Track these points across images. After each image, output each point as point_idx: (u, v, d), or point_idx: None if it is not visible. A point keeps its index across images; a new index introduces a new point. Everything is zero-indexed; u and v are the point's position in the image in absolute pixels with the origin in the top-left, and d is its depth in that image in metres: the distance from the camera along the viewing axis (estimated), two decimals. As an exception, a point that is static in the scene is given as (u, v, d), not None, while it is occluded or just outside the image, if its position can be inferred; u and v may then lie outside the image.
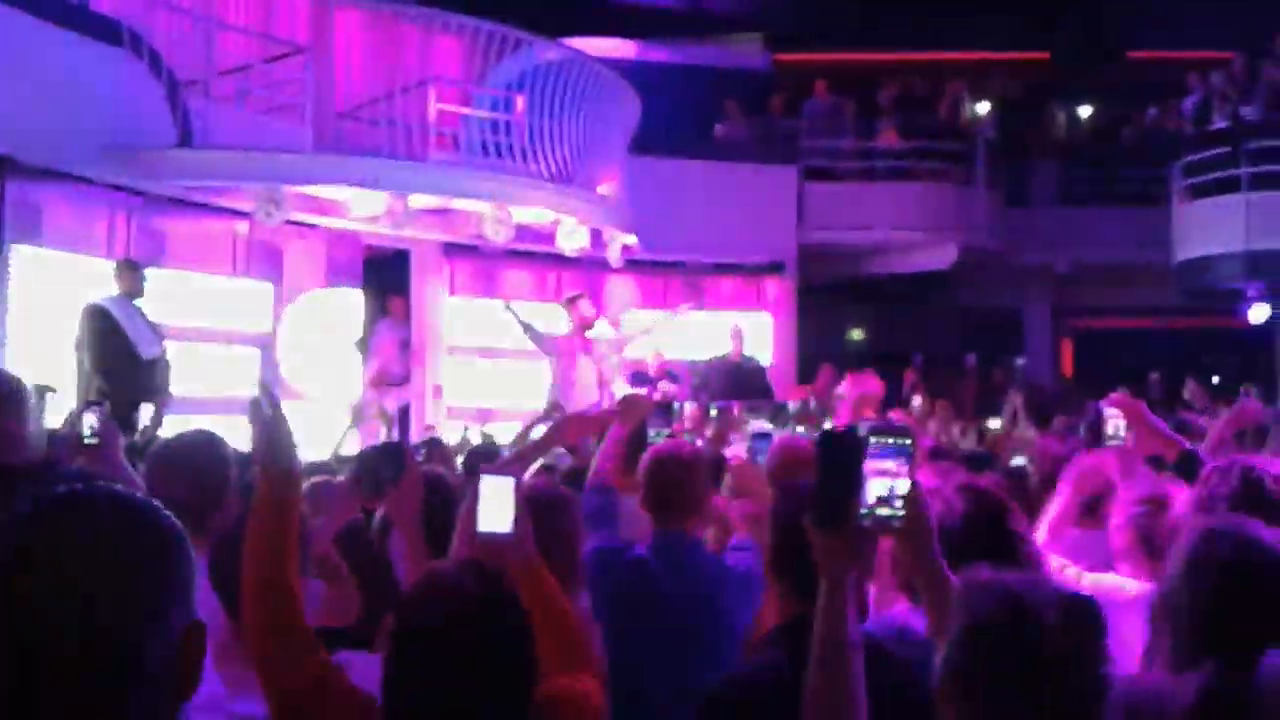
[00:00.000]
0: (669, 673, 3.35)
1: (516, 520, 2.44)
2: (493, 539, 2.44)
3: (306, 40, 10.03)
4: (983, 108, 16.01)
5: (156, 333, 7.62)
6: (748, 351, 11.98)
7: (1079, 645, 1.71)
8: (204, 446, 3.15)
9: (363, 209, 9.57)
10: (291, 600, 2.22)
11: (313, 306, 9.89)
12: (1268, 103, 13.17)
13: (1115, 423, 3.67)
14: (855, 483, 1.88)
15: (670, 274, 13.18)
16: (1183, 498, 3.33)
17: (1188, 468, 3.43)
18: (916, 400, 10.62)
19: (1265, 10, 14.38)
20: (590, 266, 11.94)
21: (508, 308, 9.99)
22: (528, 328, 9.78)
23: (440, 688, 1.92)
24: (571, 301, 9.83)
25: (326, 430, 8.17)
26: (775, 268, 13.50)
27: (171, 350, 7.76)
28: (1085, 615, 1.73)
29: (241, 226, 9.36)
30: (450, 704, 1.92)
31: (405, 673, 1.94)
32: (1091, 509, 3.63)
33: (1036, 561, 2.79)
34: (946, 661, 1.78)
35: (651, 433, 4.32)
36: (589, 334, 9.72)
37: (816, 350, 14.10)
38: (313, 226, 9.89)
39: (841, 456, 1.88)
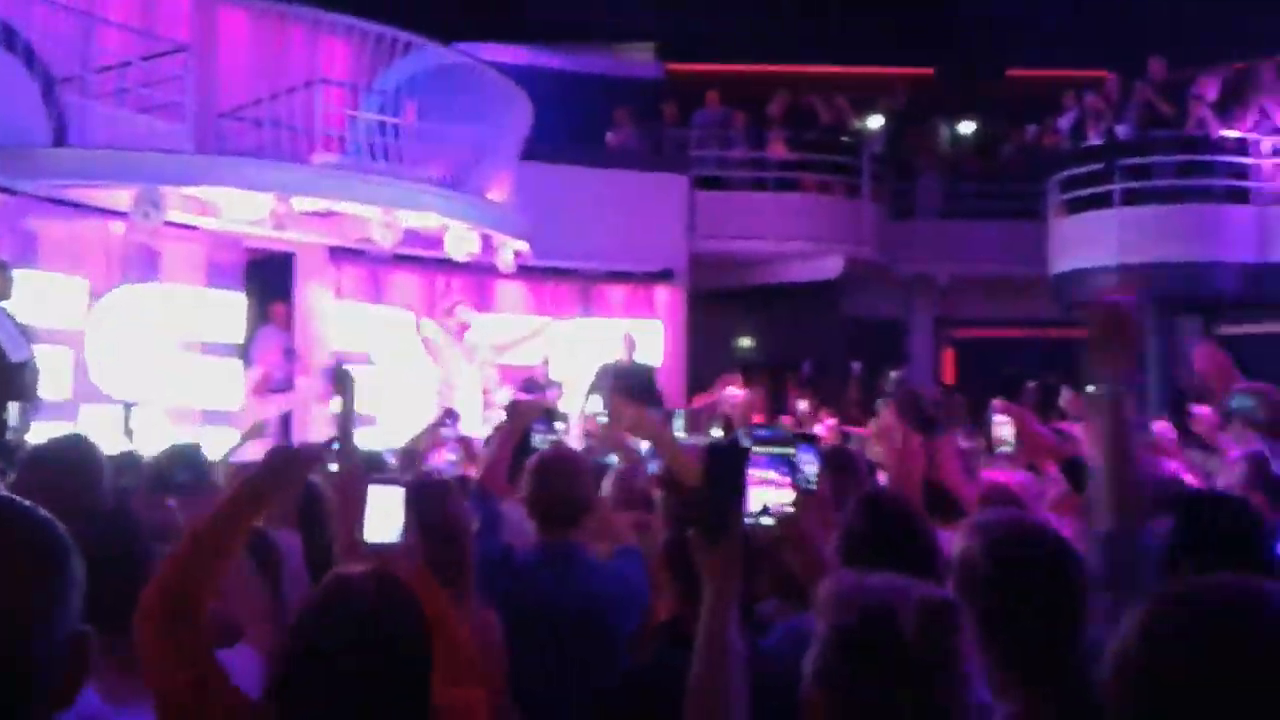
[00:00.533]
0: (553, 680, 3.34)
1: (405, 530, 2.42)
2: (381, 550, 2.41)
3: (189, 38, 9.80)
4: (869, 121, 16.31)
5: (25, 335, 7.36)
6: (639, 359, 12.04)
7: (938, 646, 1.72)
8: (75, 451, 3.07)
9: (245, 211, 9.37)
10: (195, 605, 2.19)
11: (122, 301, 9.39)
12: (1140, 121, 13.64)
13: (1003, 430, 3.73)
14: (739, 494, 1.90)
15: (561, 281, 13.17)
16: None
17: (1074, 473, 3.51)
18: (803, 405, 10.76)
19: (1139, 32, 14.93)
20: (480, 272, 11.87)
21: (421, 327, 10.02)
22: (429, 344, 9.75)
23: (337, 699, 1.90)
24: (449, 309, 9.80)
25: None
26: (665, 275, 13.57)
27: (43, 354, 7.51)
28: (944, 616, 1.74)
29: (117, 227, 9.10)
30: (343, 714, 1.90)
31: (301, 681, 1.92)
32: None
33: (943, 565, 2.86)
34: (811, 666, 1.79)
35: (538, 439, 4.30)
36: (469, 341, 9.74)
37: (706, 358, 14.21)
38: (192, 228, 9.66)
39: (725, 468, 1.90)
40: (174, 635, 2.15)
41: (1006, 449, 3.74)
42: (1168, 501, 2.83)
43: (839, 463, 4.19)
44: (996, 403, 4.02)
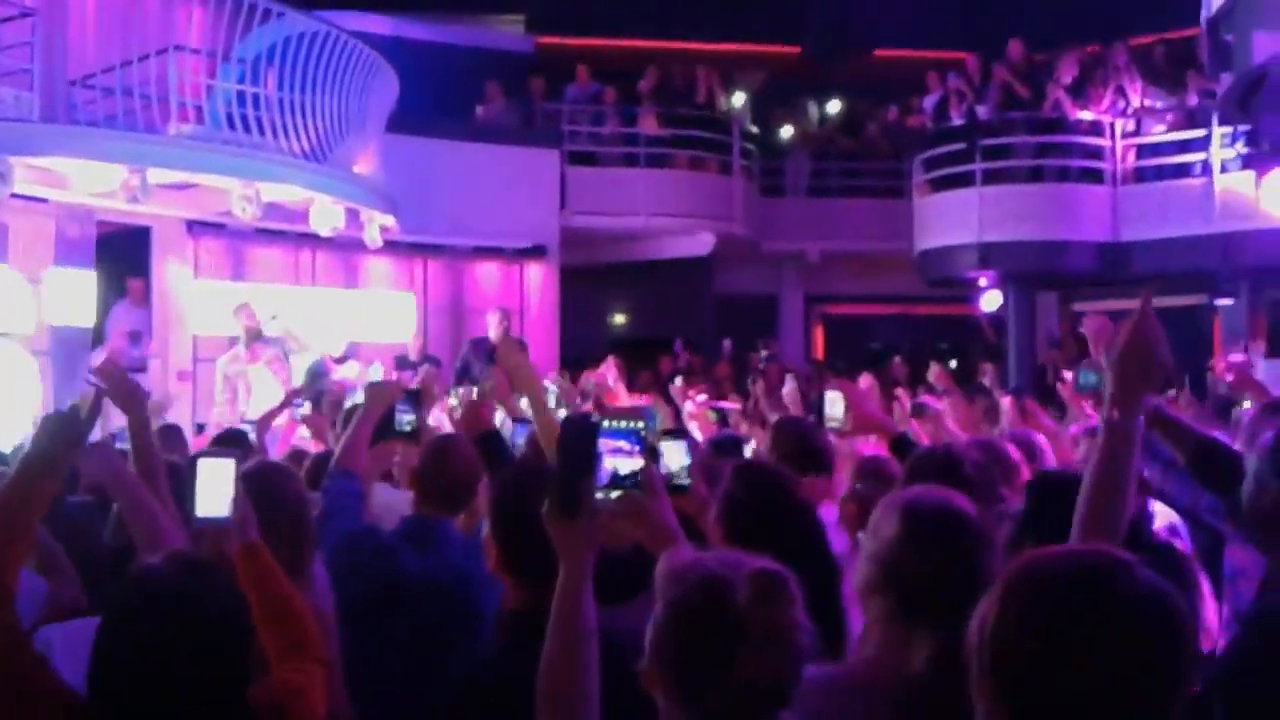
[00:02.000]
0: (415, 659, 3.29)
1: (236, 503, 2.35)
2: (211, 524, 2.34)
3: (36, 2, 9.36)
4: (738, 99, 16.43)
5: None
6: (511, 335, 11.94)
7: (770, 618, 1.74)
8: None
9: (96, 183, 9.01)
10: (7, 596, 2.11)
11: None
12: (999, 103, 13.98)
13: (835, 406, 3.81)
14: (591, 468, 1.89)
15: (430, 256, 13.00)
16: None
17: (900, 451, 3.61)
18: (678, 382, 10.78)
19: (1000, 15, 15.30)
20: (346, 248, 11.64)
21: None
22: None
23: (143, 685, 1.87)
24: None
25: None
26: (537, 251, 13.50)
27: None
28: (777, 588, 1.76)
29: (-40, 199, 8.67)
30: (154, 701, 1.87)
31: (110, 668, 1.90)
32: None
33: (822, 533, 2.88)
34: (649, 644, 1.80)
35: (404, 420, 4.22)
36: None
37: (578, 335, 14.19)
38: (42, 201, 9.25)
39: (577, 443, 1.88)
40: None
41: (835, 424, 3.81)
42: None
43: (722, 447, 4.27)
44: (834, 380, 4.09)
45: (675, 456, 2.79)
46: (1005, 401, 6.19)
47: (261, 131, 9.49)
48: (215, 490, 2.35)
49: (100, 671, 1.91)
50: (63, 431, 2.32)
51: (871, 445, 4.20)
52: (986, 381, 7.92)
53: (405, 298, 12.70)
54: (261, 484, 2.69)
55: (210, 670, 1.91)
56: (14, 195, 8.48)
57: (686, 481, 2.78)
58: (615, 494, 1.93)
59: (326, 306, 11.63)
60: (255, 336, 9.61)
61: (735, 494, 2.81)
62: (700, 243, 14.95)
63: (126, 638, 1.91)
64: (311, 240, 11.12)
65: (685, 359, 14.14)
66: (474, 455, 3.58)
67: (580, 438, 1.89)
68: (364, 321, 11.98)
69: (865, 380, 4.03)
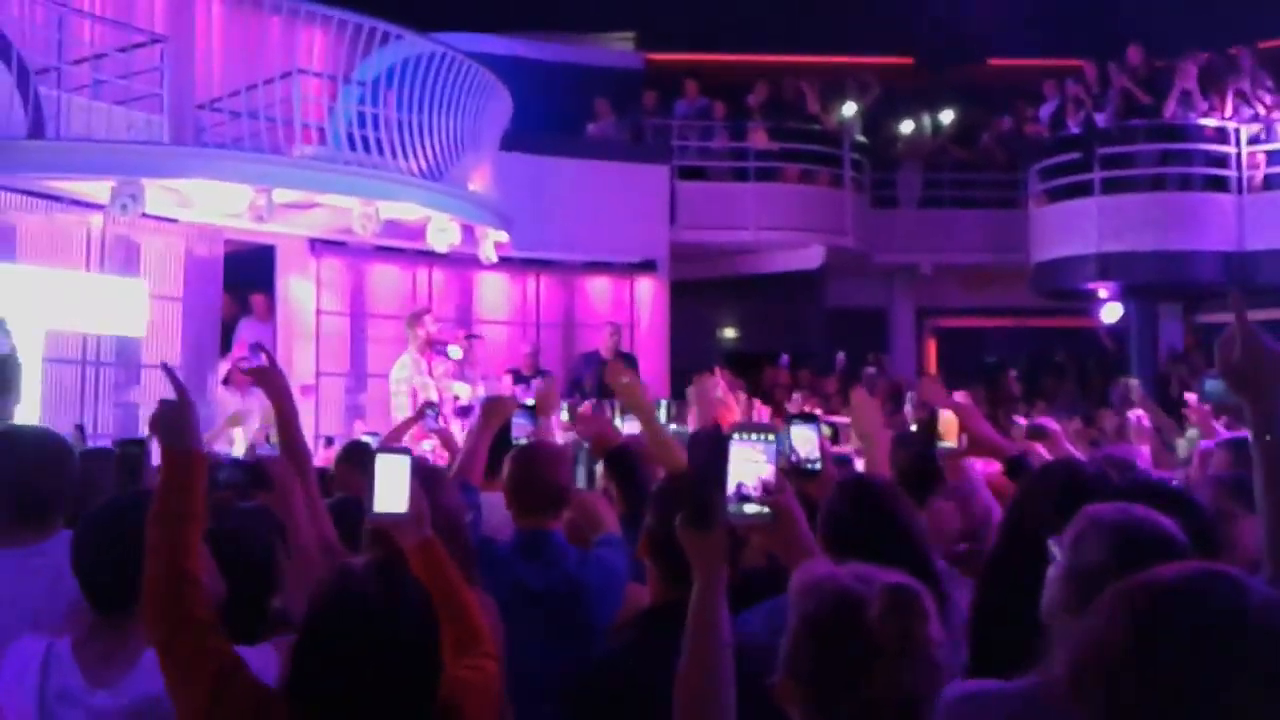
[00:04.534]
0: (533, 668, 3.34)
1: (412, 499, 2.40)
2: (388, 519, 2.39)
3: (165, 29, 9.74)
4: (848, 110, 16.33)
5: (3, 329, 7.31)
6: (622, 349, 12.04)
7: (903, 632, 1.73)
8: (40, 443, 3.04)
9: (224, 204, 9.33)
10: (193, 589, 2.20)
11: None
12: (1119, 110, 13.67)
13: (949, 426, 3.68)
14: (721, 482, 1.92)
15: (542, 271, 13.17)
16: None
17: (1015, 472, 3.44)
18: (796, 398, 10.76)
19: (1118, 20, 14.97)
20: (461, 264, 11.86)
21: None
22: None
23: (346, 686, 1.95)
24: (417, 318, 9.65)
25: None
26: (647, 266, 13.57)
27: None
28: (909, 602, 1.75)
29: (96, 220, 9.05)
30: (356, 701, 1.95)
31: (311, 670, 1.97)
32: None
33: (927, 552, 2.85)
34: (783, 658, 1.80)
35: (519, 432, 4.29)
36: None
37: (688, 349, 14.22)
38: (172, 221, 9.61)
39: (707, 456, 1.92)
40: (183, 619, 2.17)
41: (949, 445, 3.65)
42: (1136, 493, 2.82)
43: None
44: (950, 398, 3.96)
45: (805, 440, 2.80)
46: (1132, 416, 6.03)
47: (381, 151, 9.72)
48: (392, 486, 2.39)
49: (301, 668, 1.98)
50: (167, 423, 2.37)
51: (982, 464, 4.11)
52: (1134, 398, 7.69)
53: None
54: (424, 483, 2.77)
55: (406, 667, 1.97)
56: (145, 215, 8.82)
57: (818, 466, 2.79)
58: (749, 507, 1.95)
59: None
60: (429, 345, 9.50)
61: (838, 510, 2.78)
62: (810, 256, 14.89)
63: (328, 637, 1.97)
64: (428, 257, 11.36)
65: (788, 373, 14.06)
66: (560, 461, 3.62)
67: (710, 451, 1.92)
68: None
69: (961, 396, 3.94)
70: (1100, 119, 13.77)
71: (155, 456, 4.19)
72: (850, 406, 3.53)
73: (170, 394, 2.40)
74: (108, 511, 2.60)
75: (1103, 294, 13.94)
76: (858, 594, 1.76)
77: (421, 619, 2.02)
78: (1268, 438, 1.98)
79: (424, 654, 2.01)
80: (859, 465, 4.82)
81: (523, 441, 4.17)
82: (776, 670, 1.80)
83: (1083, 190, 13.69)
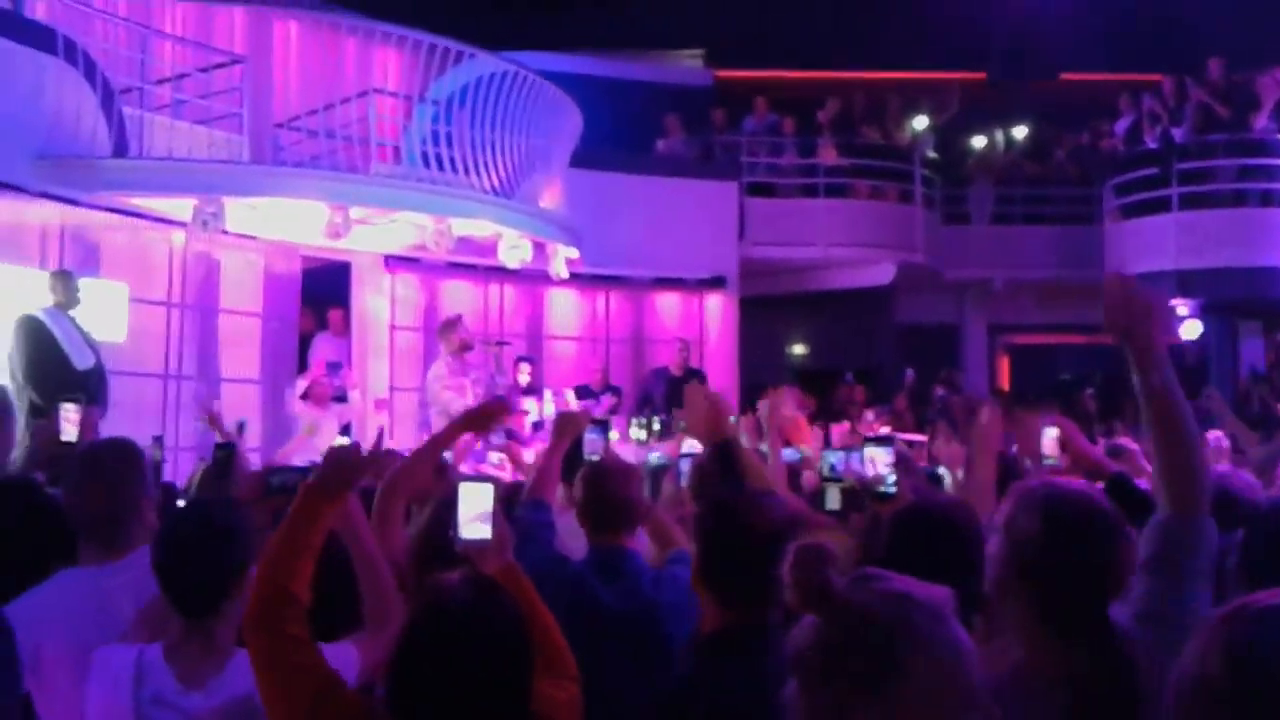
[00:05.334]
0: (607, 686, 3.34)
1: (495, 526, 2.44)
2: (473, 545, 2.44)
3: (244, 50, 9.94)
4: (919, 125, 16.23)
5: (90, 343, 7.50)
6: (690, 365, 12.05)
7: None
8: (120, 458, 3.09)
9: (302, 221, 9.49)
10: (294, 610, 2.27)
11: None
12: (1196, 125, 13.45)
13: (1050, 442, 3.65)
14: None
15: (611, 288, 13.22)
16: None
17: (1117, 492, 3.42)
18: (869, 416, 10.68)
19: (1195, 34, 14.73)
20: (533, 280, 11.95)
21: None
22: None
23: (443, 697, 1.98)
24: (450, 326, 9.67)
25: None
26: (716, 282, 13.57)
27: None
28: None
29: (177, 237, 9.25)
30: (453, 712, 1.98)
31: (410, 682, 2.00)
32: None
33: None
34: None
35: (591, 448, 4.29)
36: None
37: (757, 365, 14.20)
38: (250, 237, 9.79)
39: None
40: (279, 634, 2.23)
41: (1050, 462, 3.63)
42: (1238, 515, 2.77)
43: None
44: (1047, 417, 3.91)
45: (880, 461, 2.77)
46: (1211, 437, 5.90)
47: (454, 169, 9.83)
48: (475, 514, 2.44)
49: (399, 680, 2.01)
50: (343, 465, 2.48)
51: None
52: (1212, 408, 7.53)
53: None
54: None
55: (502, 679, 2.01)
56: (225, 232, 9.00)
57: (893, 489, 2.76)
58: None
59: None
60: (465, 349, 9.49)
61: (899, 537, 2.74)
62: (881, 272, 14.80)
63: (426, 648, 2.01)
64: (499, 273, 11.46)
65: (860, 390, 13.96)
66: (632, 477, 3.60)
67: None
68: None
69: (1059, 419, 3.88)
70: (1178, 134, 13.56)
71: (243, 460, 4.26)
72: (976, 425, 3.49)
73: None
74: (189, 519, 2.66)
75: (1182, 311, 13.70)
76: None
77: (516, 631, 2.05)
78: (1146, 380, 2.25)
79: (519, 666, 2.04)
80: (948, 484, 4.77)
81: (595, 458, 4.18)
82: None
83: (1160, 206, 13.48)
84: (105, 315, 8.00)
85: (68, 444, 3.51)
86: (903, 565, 2.60)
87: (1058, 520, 2.10)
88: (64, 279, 7.53)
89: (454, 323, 9.70)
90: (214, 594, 2.53)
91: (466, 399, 8.94)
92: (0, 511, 3.06)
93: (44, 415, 3.81)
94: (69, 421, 3.64)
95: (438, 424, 9.01)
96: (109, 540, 2.88)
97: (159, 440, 6.46)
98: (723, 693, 2.40)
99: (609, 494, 3.52)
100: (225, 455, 4.19)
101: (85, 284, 7.73)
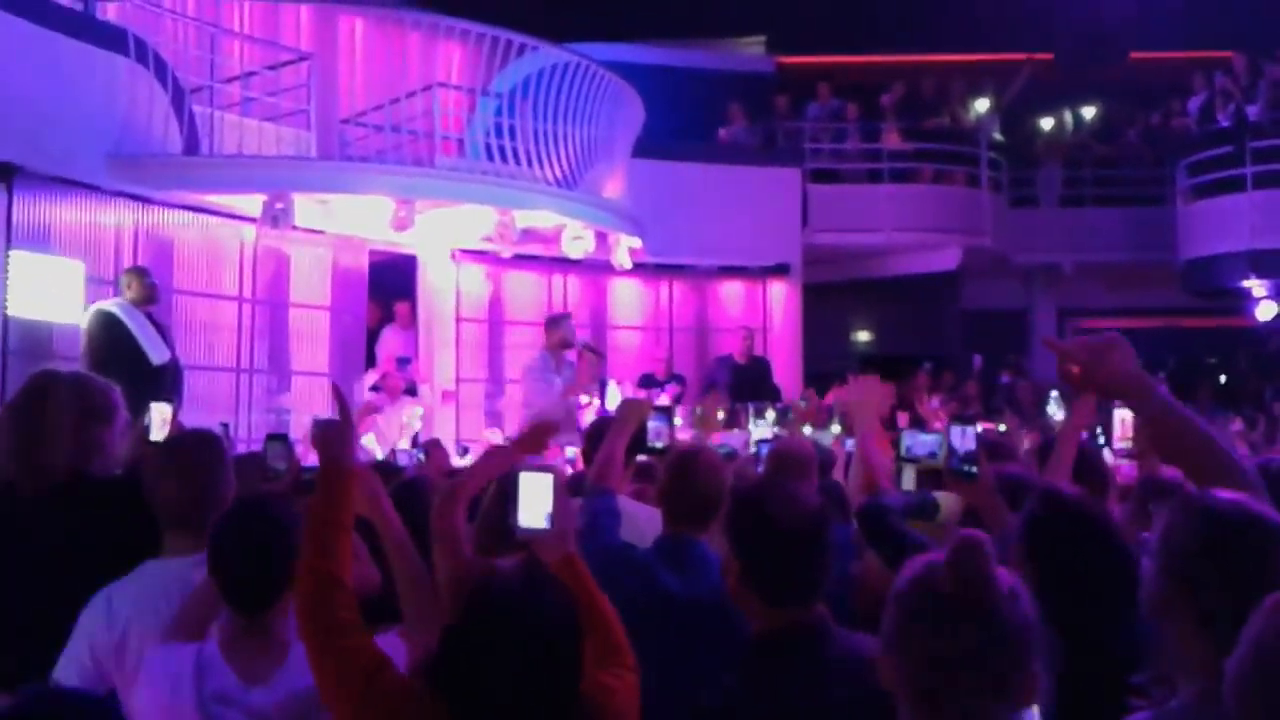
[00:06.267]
0: (672, 676, 3.33)
1: (555, 516, 2.46)
2: (532, 534, 2.45)
3: (311, 47, 10.06)
4: (985, 108, 16.02)
5: (166, 338, 7.64)
6: (755, 353, 12.03)
7: (973, 579, 1.74)
8: (203, 448, 3.13)
9: (370, 215, 9.59)
10: (339, 593, 2.28)
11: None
12: (1271, 102, 13.16)
13: (1127, 427, 3.60)
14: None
15: (675, 276, 13.21)
16: None
17: None
18: (934, 403, 10.58)
19: (1268, 11, 14.39)
20: (596, 270, 11.98)
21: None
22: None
23: (493, 679, 2.00)
24: (554, 322, 9.59)
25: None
26: (780, 270, 13.51)
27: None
28: (973, 550, 1.75)
29: (248, 233, 9.39)
30: (502, 694, 2.00)
31: (460, 663, 2.02)
32: None
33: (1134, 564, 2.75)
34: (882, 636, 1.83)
35: (657, 440, 4.26)
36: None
37: (822, 352, 14.11)
38: (319, 232, 9.92)
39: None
40: (332, 620, 2.25)
41: (1126, 446, 3.59)
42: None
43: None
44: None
45: (963, 442, 2.74)
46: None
47: (518, 161, 9.89)
48: (535, 502, 2.45)
49: (449, 662, 2.04)
50: (332, 438, 2.50)
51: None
52: None
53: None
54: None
55: (551, 661, 2.02)
56: (294, 227, 9.13)
57: (975, 468, 2.73)
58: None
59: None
60: (563, 347, 9.39)
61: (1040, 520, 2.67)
62: (947, 257, 14.62)
63: (477, 630, 2.03)
64: (563, 263, 11.51)
65: (927, 376, 13.81)
66: (719, 469, 3.54)
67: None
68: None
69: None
70: (1252, 111, 13.27)
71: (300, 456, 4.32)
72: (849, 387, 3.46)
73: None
74: (242, 515, 2.67)
75: (1258, 292, 13.41)
76: (936, 560, 1.78)
77: (564, 616, 2.07)
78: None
79: (567, 649, 2.05)
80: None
81: (659, 445, 4.16)
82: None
83: (1234, 185, 13.20)
84: (58, 294, 7.66)
85: (155, 444, 3.58)
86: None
87: (1218, 537, 1.96)
88: (138, 275, 7.69)
89: (558, 320, 9.66)
90: (273, 589, 2.55)
91: (551, 395, 8.92)
92: (100, 509, 3.11)
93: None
94: (161, 422, 3.70)
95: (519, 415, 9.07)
96: (194, 530, 2.90)
97: (225, 428, 6.53)
98: (781, 698, 2.38)
99: (694, 484, 3.45)
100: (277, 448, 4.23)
101: (30, 260, 7.45)
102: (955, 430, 2.78)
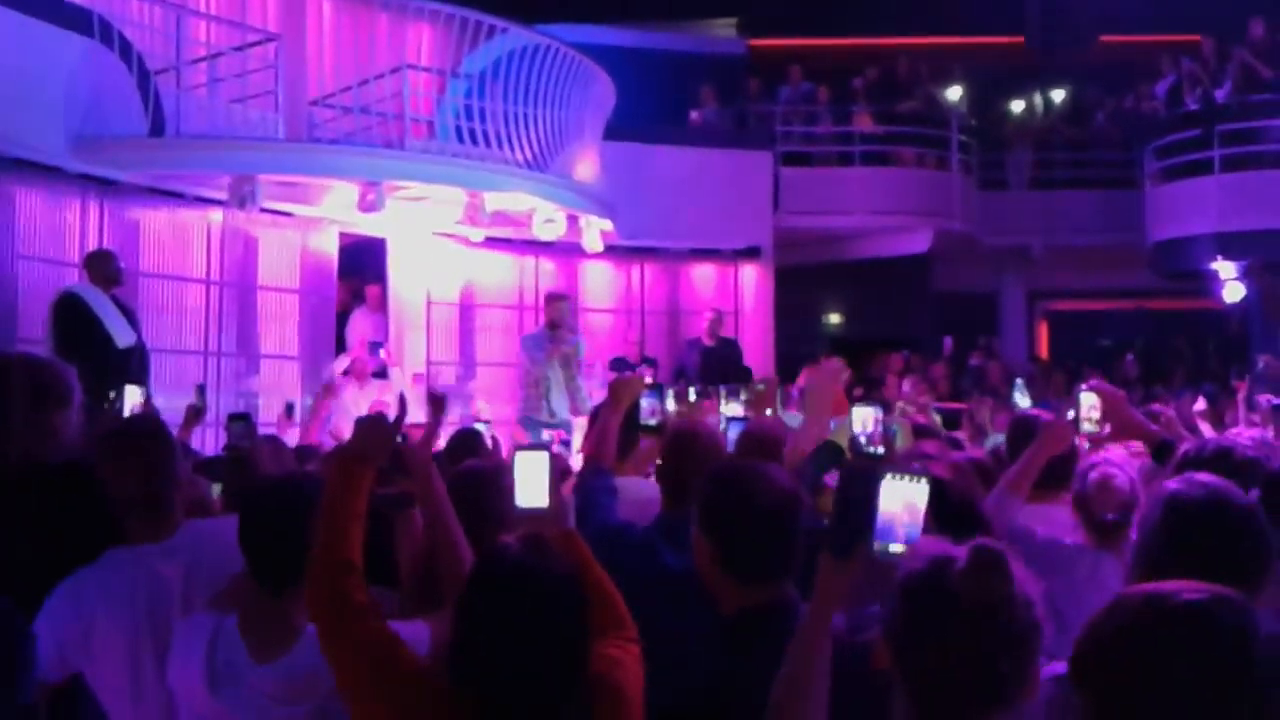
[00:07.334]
0: (674, 654, 3.31)
1: (552, 494, 2.46)
2: (529, 513, 2.46)
3: (279, 27, 9.96)
4: (956, 93, 16.06)
5: (133, 321, 7.56)
6: (724, 334, 12.03)
7: (989, 592, 1.72)
8: (151, 434, 3.06)
9: (338, 197, 9.52)
10: (352, 577, 2.32)
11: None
12: (1239, 85, 13.25)
13: (1093, 411, 3.60)
14: (870, 519, 1.94)
15: (646, 259, 13.20)
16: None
17: (1162, 457, 3.38)
18: (906, 387, 10.62)
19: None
20: (567, 253, 11.95)
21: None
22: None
23: (504, 660, 2.02)
24: (549, 300, 9.73)
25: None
26: (752, 252, 13.52)
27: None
28: (992, 563, 1.73)
29: (215, 216, 9.31)
30: (513, 674, 2.02)
31: (471, 645, 2.05)
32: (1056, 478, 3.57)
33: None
34: (882, 624, 1.82)
35: (650, 418, 4.25)
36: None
37: (793, 335, 14.15)
38: (287, 215, 9.84)
39: (859, 492, 1.94)
40: (345, 603, 2.27)
41: (1090, 429, 3.58)
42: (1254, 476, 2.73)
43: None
44: (1093, 381, 3.85)
45: (864, 422, 2.74)
46: (1264, 400, 5.84)
47: (488, 143, 9.84)
48: (532, 481, 2.46)
49: (458, 638, 2.06)
50: (375, 434, 2.52)
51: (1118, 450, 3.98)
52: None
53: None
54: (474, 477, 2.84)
55: (557, 634, 2.04)
56: (262, 210, 9.05)
57: (879, 450, 2.74)
58: (894, 548, 1.96)
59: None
60: (552, 327, 9.47)
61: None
62: (917, 240, 14.68)
63: (484, 605, 2.05)
64: (535, 246, 11.47)
65: (887, 360, 13.87)
66: (718, 447, 3.54)
67: (861, 488, 1.94)
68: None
69: (1098, 384, 3.82)
70: (1219, 95, 13.36)
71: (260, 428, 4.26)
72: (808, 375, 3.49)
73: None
74: (274, 494, 2.69)
75: (1224, 274, 13.53)
76: (948, 556, 1.76)
77: (569, 588, 2.09)
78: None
79: (573, 623, 2.07)
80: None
81: (652, 422, 4.16)
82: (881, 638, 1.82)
83: (1202, 168, 13.29)
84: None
85: (102, 433, 3.51)
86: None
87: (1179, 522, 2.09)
88: (103, 258, 7.60)
89: (552, 298, 9.79)
90: (293, 569, 2.54)
91: (538, 370, 9.30)
92: (55, 495, 3.06)
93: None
94: (134, 407, 3.65)
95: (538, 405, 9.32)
96: (151, 517, 2.88)
97: (201, 389, 6.43)
98: (759, 677, 2.37)
99: (696, 461, 3.36)
100: (239, 427, 4.20)
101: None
102: (859, 411, 2.82)
